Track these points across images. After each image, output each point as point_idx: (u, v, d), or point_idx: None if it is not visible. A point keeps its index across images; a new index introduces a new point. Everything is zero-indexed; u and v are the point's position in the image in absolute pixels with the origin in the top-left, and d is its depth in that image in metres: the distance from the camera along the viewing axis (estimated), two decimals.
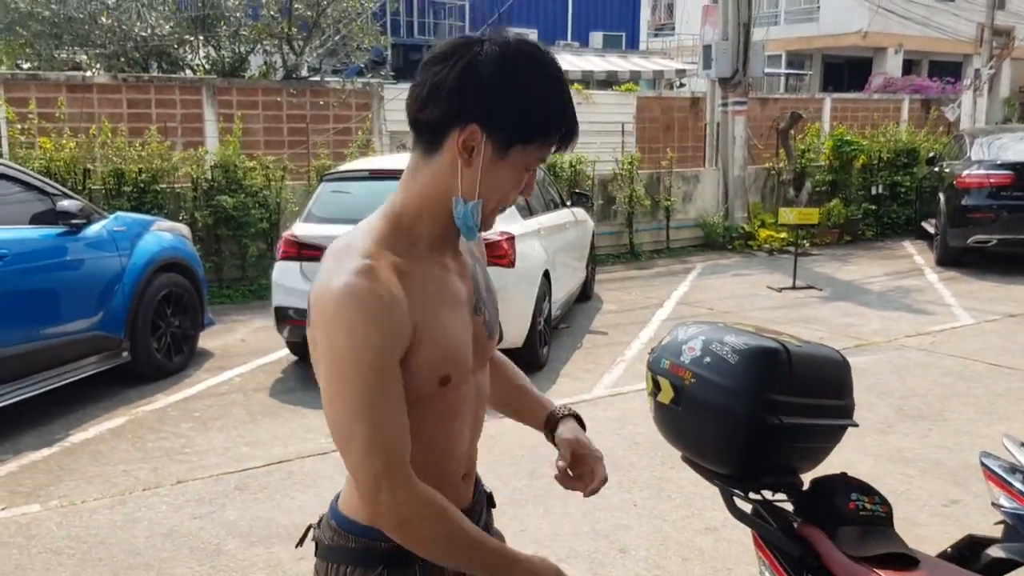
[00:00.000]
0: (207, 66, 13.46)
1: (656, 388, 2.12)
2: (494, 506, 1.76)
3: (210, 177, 9.45)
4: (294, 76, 13.17)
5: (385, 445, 1.33)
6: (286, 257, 6.43)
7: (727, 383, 1.96)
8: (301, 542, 1.68)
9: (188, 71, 13.50)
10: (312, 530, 1.61)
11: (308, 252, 6.32)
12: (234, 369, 6.77)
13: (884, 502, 2.03)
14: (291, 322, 6.39)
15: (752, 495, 2.11)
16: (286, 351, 6.97)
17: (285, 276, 6.39)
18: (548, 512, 4.24)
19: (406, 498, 1.34)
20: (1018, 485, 2.30)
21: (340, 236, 1.50)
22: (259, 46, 13.47)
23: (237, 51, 13.41)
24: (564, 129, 1.42)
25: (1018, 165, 10.58)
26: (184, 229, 7.39)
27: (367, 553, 1.48)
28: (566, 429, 1.77)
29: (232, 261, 9.65)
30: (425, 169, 1.43)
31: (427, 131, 1.41)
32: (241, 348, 7.41)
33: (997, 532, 2.48)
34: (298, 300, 6.29)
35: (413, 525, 1.36)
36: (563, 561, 3.79)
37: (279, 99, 11.83)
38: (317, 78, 13.39)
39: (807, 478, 2.13)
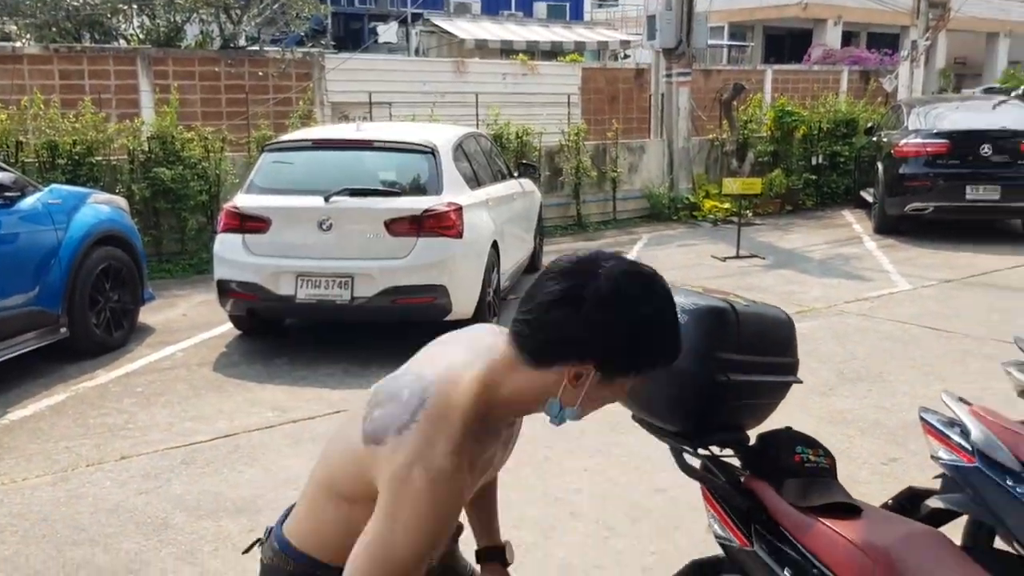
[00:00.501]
0: (141, 36, 13.09)
1: None
2: (460, 532, 1.89)
3: (147, 149, 9.21)
4: (232, 46, 12.88)
5: None
6: (227, 229, 6.30)
7: None
8: (248, 550, 1.80)
9: (122, 41, 13.10)
10: (258, 543, 1.75)
11: (251, 224, 6.21)
12: (176, 344, 6.65)
13: (828, 454, 2.09)
14: (234, 295, 6.28)
15: (701, 451, 2.14)
16: (229, 325, 6.86)
17: (227, 249, 6.27)
18: (499, 479, 4.24)
19: None
20: (956, 438, 2.36)
21: (439, 376, 1.52)
22: (195, 15, 13.13)
23: (172, 20, 13.05)
24: (668, 358, 1.50)
25: (953, 134, 10.83)
26: (121, 202, 7.20)
27: None
28: None
29: (171, 235, 9.44)
30: (523, 376, 1.48)
31: (538, 353, 1.46)
32: (183, 323, 7.28)
33: (936, 484, 2.55)
34: (240, 272, 6.19)
35: None
36: (514, 527, 3.82)
37: (217, 69, 11.57)
38: (256, 48, 13.13)
39: (753, 434, 2.17)
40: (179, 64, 11.41)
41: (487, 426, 1.50)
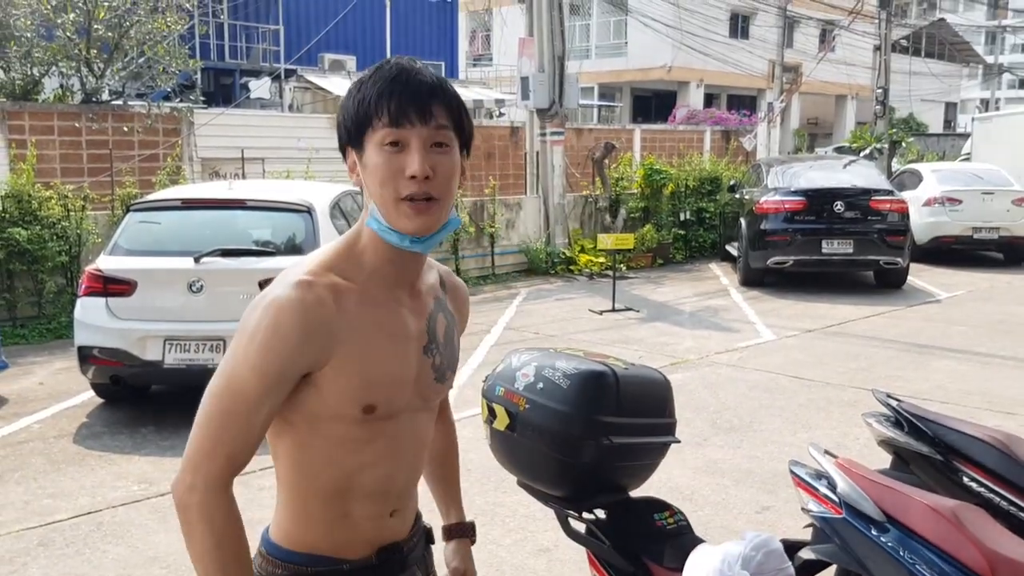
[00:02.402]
0: None
1: (492, 415, 2.13)
2: (432, 542, 1.75)
3: (1, 208, 8.72)
4: (94, 100, 12.42)
5: (223, 442, 1.39)
6: (90, 293, 6.01)
7: (560, 407, 2.00)
8: None
9: None
10: None
11: (114, 287, 5.94)
12: (32, 415, 6.24)
13: (679, 512, 2.18)
14: (96, 362, 5.97)
15: (586, 515, 2.16)
16: (91, 393, 6.49)
17: (89, 313, 5.97)
18: None
19: (203, 497, 1.39)
20: (823, 490, 2.46)
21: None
22: (54, 68, 12.61)
23: (29, 73, 12.48)
24: (389, 95, 1.42)
25: (809, 192, 11.49)
26: None
27: None
28: (457, 556, 1.89)
29: (27, 298, 8.92)
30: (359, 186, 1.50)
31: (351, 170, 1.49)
32: (40, 392, 6.84)
33: (807, 535, 2.65)
34: (103, 338, 5.89)
35: (192, 517, 1.40)
36: None
37: (77, 124, 11.12)
38: (120, 102, 12.68)
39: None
40: (37, 118, 10.92)
41: (359, 266, 1.47)
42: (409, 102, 1.42)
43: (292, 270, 1.46)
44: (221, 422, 1.40)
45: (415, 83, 1.43)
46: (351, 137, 1.46)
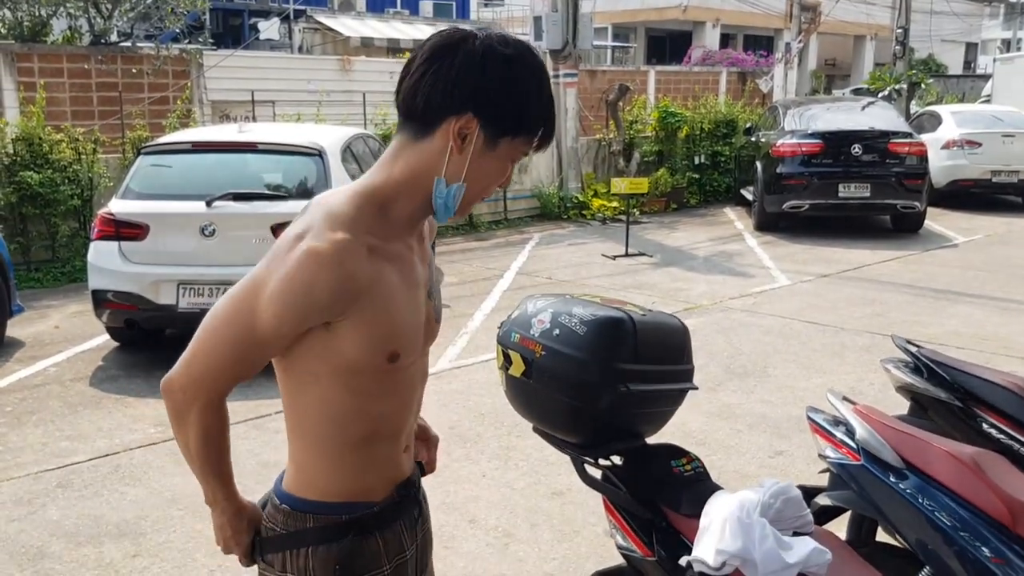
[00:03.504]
0: (3, 30, 12.31)
1: (507, 362, 2.11)
2: (424, 474, 1.82)
3: (12, 151, 8.67)
4: (103, 42, 12.27)
5: (228, 369, 1.46)
6: (102, 237, 6.00)
7: (577, 354, 1.98)
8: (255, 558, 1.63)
9: None
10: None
11: (127, 231, 5.92)
12: (49, 359, 6.28)
13: (697, 459, 2.16)
14: (110, 306, 5.98)
15: (602, 461, 2.15)
16: (106, 337, 6.53)
17: (102, 257, 5.97)
18: None
19: (203, 409, 1.48)
20: (841, 436, 2.44)
21: (315, 203, 1.51)
22: (62, 8, 12.44)
23: (36, 14, 12.32)
24: (547, 126, 1.50)
25: (826, 134, 11.32)
26: None
27: (330, 528, 1.52)
28: (423, 448, 1.88)
29: (41, 242, 8.93)
30: (411, 152, 1.47)
31: (419, 117, 1.45)
32: (55, 335, 6.89)
33: (822, 480, 2.64)
34: (117, 282, 5.90)
35: (187, 421, 1.49)
36: None
37: (87, 66, 11.00)
38: (128, 44, 12.53)
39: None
40: (46, 60, 10.80)
41: (385, 219, 1.47)
42: (552, 134, 1.54)
43: (330, 216, 1.44)
44: (232, 351, 1.45)
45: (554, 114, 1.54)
46: (499, 126, 1.44)
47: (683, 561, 1.90)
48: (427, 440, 1.85)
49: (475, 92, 1.41)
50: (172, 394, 1.49)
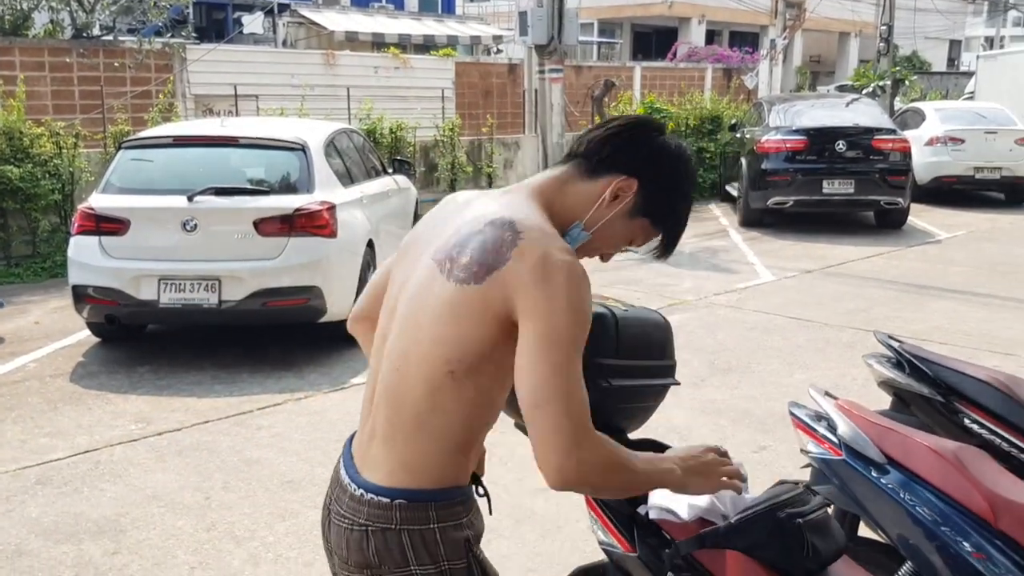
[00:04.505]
0: None
1: None
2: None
3: None
4: (85, 35, 12.16)
5: (579, 409, 1.46)
6: (83, 231, 5.94)
7: None
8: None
9: None
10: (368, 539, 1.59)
11: (107, 226, 5.88)
12: (29, 354, 6.22)
13: None
14: (91, 301, 5.94)
15: None
16: (87, 332, 6.48)
17: (83, 252, 5.92)
18: None
19: (594, 456, 1.47)
20: (822, 431, 2.44)
21: (502, 208, 1.60)
22: (44, 2, 12.32)
23: (18, 8, 12.20)
24: (676, 233, 1.75)
25: (811, 131, 11.35)
26: None
27: (450, 510, 1.59)
28: None
29: (21, 237, 8.86)
30: (576, 189, 1.67)
31: (597, 161, 1.66)
32: (35, 331, 6.82)
33: (805, 475, 2.64)
34: (97, 277, 5.85)
35: (602, 478, 1.50)
36: None
37: (68, 60, 10.92)
38: (111, 38, 12.43)
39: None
40: (27, 54, 10.71)
41: None
42: (674, 247, 1.78)
43: (549, 235, 1.55)
44: (580, 384, 1.47)
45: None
46: (647, 204, 1.68)
47: (642, 510, 1.97)
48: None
49: (650, 166, 1.66)
50: (566, 480, 1.46)
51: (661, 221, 1.71)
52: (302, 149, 6.21)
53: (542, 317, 1.46)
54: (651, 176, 1.65)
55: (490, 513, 1.76)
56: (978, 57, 21.83)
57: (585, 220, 1.65)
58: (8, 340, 6.55)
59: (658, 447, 2.15)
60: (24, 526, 3.82)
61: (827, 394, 2.54)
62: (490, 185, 12.65)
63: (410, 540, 1.56)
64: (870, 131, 11.34)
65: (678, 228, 1.74)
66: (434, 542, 1.56)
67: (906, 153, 11.38)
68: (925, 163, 13.29)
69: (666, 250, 1.75)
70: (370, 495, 1.59)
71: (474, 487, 1.72)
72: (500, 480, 4.25)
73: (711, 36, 31.00)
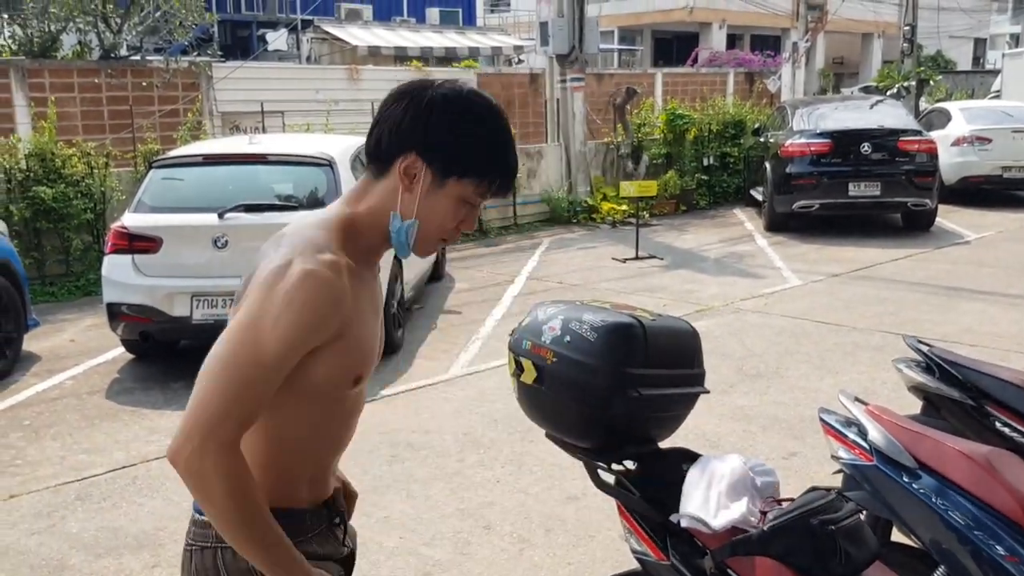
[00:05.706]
0: (14, 47, 12.43)
1: (519, 369, 2.12)
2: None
3: (25, 167, 8.75)
4: (113, 56, 12.37)
5: (235, 409, 1.39)
6: (116, 250, 6.05)
7: (587, 360, 1.99)
8: None
9: None
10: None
11: (140, 244, 5.98)
12: (65, 372, 6.34)
13: None
14: (125, 318, 6.04)
15: (615, 466, 2.16)
16: (121, 350, 6.58)
17: (116, 270, 6.02)
18: (411, 496, 4.21)
19: (216, 459, 1.38)
20: (854, 438, 2.44)
21: (289, 230, 1.58)
22: (71, 24, 12.55)
23: (46, 29, 12.44)
24: (499, 171, 1.57)
25: (836, 134, 11.29)
26: None
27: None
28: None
29: (55, 256, 9.00)
30: (372, 189, 1.58)
31: (377, 159, 1.57)
32: (71, 349, 6.95)
33: (836, 481, 2.64)
34: (131, 295, 5.95)
35: (208, 481, 1.39)
36: (428, 544, 3.78)
37: (97, 80, 11.10)
38: (138, 57, 12.64)
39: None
40: (56, 76, 10.91)
41: (356, 248, 1.55)
42: (510, 182, 1.60)
43: (312, 242, 1.50)
44: (239, 391, 1.40)
45: (515, 160, 1.61)
46: (443, 167, 1.53)
47: (674, 518, 1.98)
48: (348, 495, 1.85)
49: (420, 134, 1.52)
50: (179, 459, 1.39)
51: (472, 174, 1.54)
52: (329, 164, 6.28)
53: (253, 305, 1.44)
54: (422, 139, 1.52)
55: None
56: (1004, 55, 21.61)
57: (400, 210, 1.54)
58: (45, 358, 6.67)
59: (690, 456, 2.17)
60: (65, 541, 3.90)
61: (857, 399, 2.55)
62: (514, 195, 12.69)
63: (200, 560, 1.55)
64: (895, 133, 11.26)
65: (493, 164, 1.56)
66: (213, 567, 1.53)
67: (932, 154, 11.28)
68: (952, 163, 13.16)
69: (500, 188, 1.58)
70: (193, 512, 1.59)
71: (309, 515, 1.62)
72: (530, 489, 4.28)
73: (732, 40, 30.91)
